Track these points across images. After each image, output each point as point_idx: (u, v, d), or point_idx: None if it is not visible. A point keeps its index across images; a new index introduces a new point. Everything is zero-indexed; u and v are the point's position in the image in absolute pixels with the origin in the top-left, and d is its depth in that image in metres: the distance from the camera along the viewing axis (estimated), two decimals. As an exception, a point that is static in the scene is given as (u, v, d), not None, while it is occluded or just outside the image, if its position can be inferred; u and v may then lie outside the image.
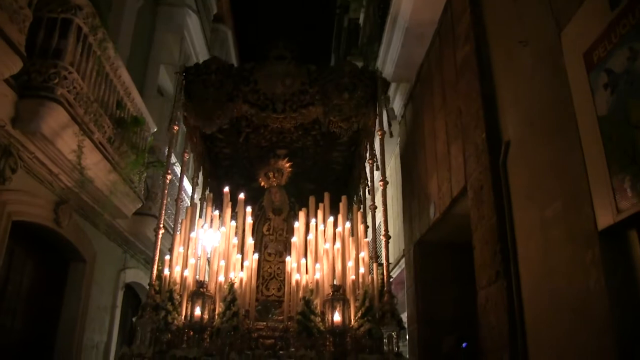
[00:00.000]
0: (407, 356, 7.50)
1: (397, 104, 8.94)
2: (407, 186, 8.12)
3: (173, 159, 8.21)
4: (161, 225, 5.73)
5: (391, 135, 8.69)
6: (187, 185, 8.91)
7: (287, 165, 7.21)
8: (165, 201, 5.96)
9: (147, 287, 6.16)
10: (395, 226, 9.48)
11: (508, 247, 4.47)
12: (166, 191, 6.03)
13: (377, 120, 6.64)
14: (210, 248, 6.04)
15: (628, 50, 3.05)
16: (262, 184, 7.20)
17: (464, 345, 5.50)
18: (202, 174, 7.55)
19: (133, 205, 8.02)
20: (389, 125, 8.35)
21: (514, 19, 4.72)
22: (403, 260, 8.38)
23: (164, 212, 5.90)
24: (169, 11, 10.59)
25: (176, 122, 6.14)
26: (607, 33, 3.27)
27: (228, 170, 8.09)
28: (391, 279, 9.40)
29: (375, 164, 6.74)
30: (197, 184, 7.27)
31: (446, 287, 6.69)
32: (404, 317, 7.87)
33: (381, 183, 6.25)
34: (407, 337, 7.62)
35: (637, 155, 2.91)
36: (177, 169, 8.54)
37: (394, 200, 9.82)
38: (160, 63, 10.24)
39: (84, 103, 6.08)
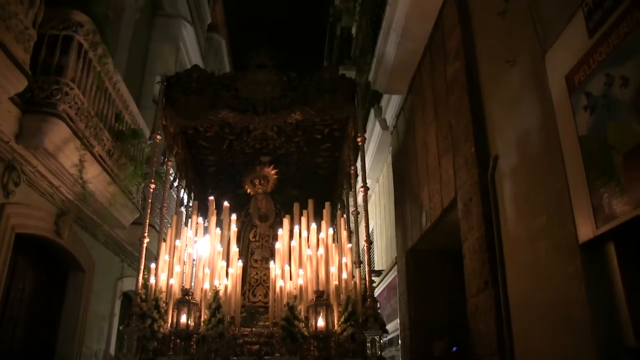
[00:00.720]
0: (399, 360, 7.70)
1: (389, 115, 9.13)
2: (399, 195, 8.30)
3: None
4: (146, 234, 5.80)
5: (385, 127, 8.88)
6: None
7: (273, 172, 7.33)
8: (149, 210, 6.02)
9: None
10: (388, 233, 9.65)
11: (496, 257, 4.66)
12: (150, 200, 6.08)
13: (356, 126, 6.64)
14: (201, 255, 6.06)
15: (605, 76, 3.26)
16: (248, 191, 7.33)
17: (454, 349, 5.68)
18: (185, 182, 7.57)
19: (131, 215, 8.17)
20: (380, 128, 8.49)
21: (503, 37, 4.91)
22: (396, 266, 8.54)
23: (148, 220, 5.97)
24: (165, 22, 10.76)
25: (159, 131, 6.19)
26: (586, 59, 3.47)
27: (214, 177, 8.17)
28: (384, 285, 9.68)
29: (355, 170, 6.80)
30: (185, 192, 7.37)
31: (438, 294, 6.82)
32: (396, 323, 8.06)
33: (362, 189, 6.27)
34: (400, 342, 7.79)
35: (613, 174, 3.11)
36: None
37: (386, 208, 10.00)
38: (157, 74, 10.36)
39: (84, 118, 6.24)
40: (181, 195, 7.36)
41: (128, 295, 10.06)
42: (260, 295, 6.75)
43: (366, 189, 6.27)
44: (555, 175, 3.78)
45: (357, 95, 6.66)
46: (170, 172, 6.86)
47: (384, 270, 9.80)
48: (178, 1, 11.37)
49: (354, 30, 12.93)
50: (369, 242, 6.05)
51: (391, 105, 9.07)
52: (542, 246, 3.98)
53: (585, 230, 3.38)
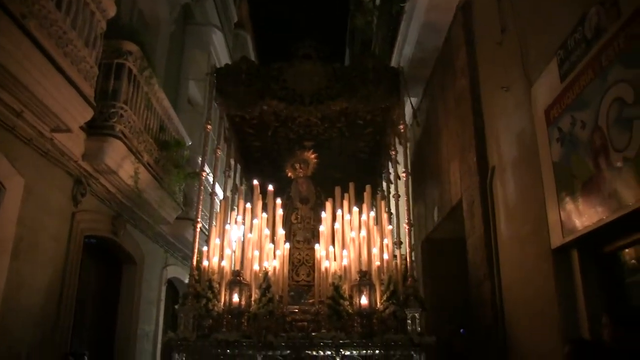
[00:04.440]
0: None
1: (406, 115, 9.83)
2: (416, 188, 9.09)
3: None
4: (199, 220, 6.16)
5: (418, 124, 9.33)
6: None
7: (313, 156, 7.53)
8: (201, 197, 6.38)
9: (186, 280, 6.74)
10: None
11: (492, 255, 5.51)
12: (202, 187, 6.48)
13: (399, 113, 7.00)
14: (250, 237, 6.32)
15: (570, 116, 4.07)
16: (289, 174, 7.59)
17: (462, 331, 6.48)
18: (240, 168, 8.06)
19: (175, 212, 9.06)
20: (415, 117, 8.85)
21: (500, 64, 5.68)
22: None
23: (201, 207, 6.31)
24: (197, 30, 11.52)
25: (209, 122, 6.59)
26: (558, 99, 4.29)
27: (259, 162, 8.46)
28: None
29: (397, 156, 7.10)
30: (229, 177, 7.64)
31: (449, 280, 7.59)
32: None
33: (404, 174, 6.49)
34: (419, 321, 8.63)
35: (574, 197, 3.94)
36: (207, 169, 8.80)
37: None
38: (190, 79, 11.23)
39: (136, 134, 7.12)
40: (227, 181, 7.61)
41: (171, 282, 11.07)
42: (303, 274, 6.96)
43: (408, 173, 6.53)
44: (536, 190, 4.62)
45: (402, 84, 6.89)
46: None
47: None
48: (207, 9, 12.18)
49: (374, 24, 13.47)
50: (411, 224, 6.31)
51: (408, 104, 9.74)
52: (526, 249, 4.85)
53: (556, 239, 4.24)
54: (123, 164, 6.87)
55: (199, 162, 8.64)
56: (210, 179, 7.76)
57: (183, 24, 11.42)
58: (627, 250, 3.89)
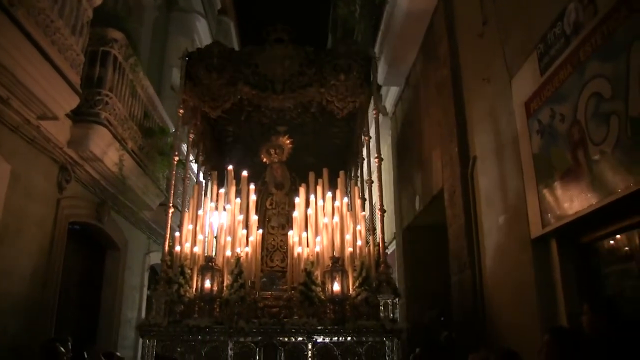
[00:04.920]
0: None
1: (389, 103, 9.92)
2: (398, 177, 9.21)
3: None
4: (171, 204, 6.28)
5: (385, 113, 9.31)
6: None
7: (288, 142, 7.52)
8: (173, 181, 6.50)
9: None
10: (389, 208, 10.53)
11: (473, 244, 5.63)
12: (174, 172, 6.50)
13: (371, 100, 6.95)
14: (223, 223, 6.36)
15: (550, 109, 4.18)
16: (264, 160, 7.57)
17: (442, 318, 6.62)
18: (203, 153, 7.85)
19: (158, 199, 9.11)
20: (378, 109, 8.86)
21: (481, 55, 5.77)
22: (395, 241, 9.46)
23: (173, 191, 6.47)
24: (180, 17, 11.51)
25: (181, 106, 6.56)
26: (538, 92, 4.39)
27: (232, 147, 8.48)
28: (387, 252, 10.57)
29: (370, 142, 7.08)
30: (203, 162, 7.79)
31: (430, 267, 7.72)
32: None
33: (376, 160, 6.50)
34: (398, 308, 8.77)
35: (553, 188, 4.06)
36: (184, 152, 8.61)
37: (388, 184, 10.89)
38: (173, 66, 11.19)
39: (121, 121, 7.16)
40: (200, 166, 7.75)
41: (154, 268, 11.11)
42: (277, 260, 7.02)
43: (380, 159, 6.54)
44: (516, 181, 4.74)
45: (374, 70, 6.90)
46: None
47: (386, 241, 10.69)
48: (191, -4, 12.26)
49: (357, 13, 13.45)
50: (383, 210, 6.28)
51: (391, 93, 9.82)
52: (506, 238, 4.97)
53: (535, 228, 4.36)
54: (108, 151, 6.91)
55: (183, 149, 8.76)
56: (189, 164, 7.77)
57: (167, 11, 11.40)
58: (604, 241, 4.03)
